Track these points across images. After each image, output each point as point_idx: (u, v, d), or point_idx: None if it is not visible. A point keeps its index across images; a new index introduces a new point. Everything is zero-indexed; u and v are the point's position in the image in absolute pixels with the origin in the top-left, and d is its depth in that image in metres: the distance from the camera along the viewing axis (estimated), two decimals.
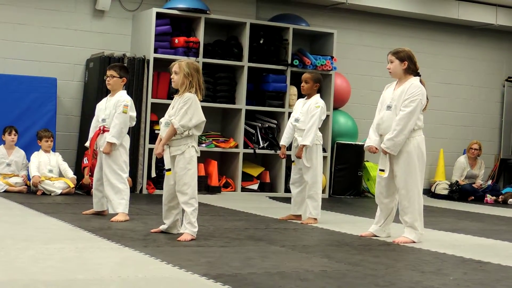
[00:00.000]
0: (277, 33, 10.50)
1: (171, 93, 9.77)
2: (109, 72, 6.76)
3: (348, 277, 4.29)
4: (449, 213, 8.96)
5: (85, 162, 8.67)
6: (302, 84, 7.23)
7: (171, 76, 5.67)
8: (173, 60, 5.84)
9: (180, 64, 5.61)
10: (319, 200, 7.11)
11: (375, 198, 6.20)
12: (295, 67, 10.42)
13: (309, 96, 7.23)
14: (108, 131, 6.65)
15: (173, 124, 5.53)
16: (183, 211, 5.61)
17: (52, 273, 3.99)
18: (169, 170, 5.60)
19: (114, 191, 6.57)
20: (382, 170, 6.01)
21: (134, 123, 6.85)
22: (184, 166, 5.56)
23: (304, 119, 7.11)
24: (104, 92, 8.40)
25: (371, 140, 6.10)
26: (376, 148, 6.03)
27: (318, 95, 7.24)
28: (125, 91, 6.85)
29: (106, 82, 6.79)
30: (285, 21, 10.62)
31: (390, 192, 6.09)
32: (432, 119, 11.85)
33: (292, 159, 7.25)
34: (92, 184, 6.99)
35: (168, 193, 5.68)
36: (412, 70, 6.01)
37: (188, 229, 5.53)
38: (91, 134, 6.85)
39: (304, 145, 7.04)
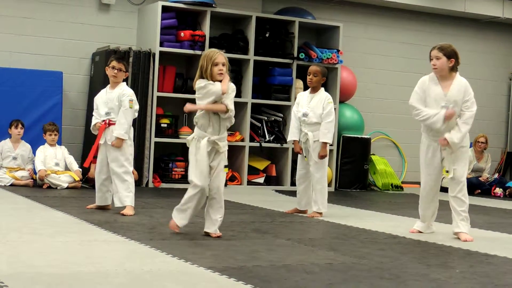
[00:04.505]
0: (283, 27, 10.48)
1: (177, 87, 9.77)
2: (118, 65, 6.67)
3: (353, 270, 4.29)
4: None
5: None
6: (310, 77, 7.08)
7: (220, 68, 5.24)
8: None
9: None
10: (325, 193, 7.09)
11: (424, 197, 6.06)
12: (301, 60, 10.40)
13: (314, 89, 7.16)
14: (113, 124, 6.63)
15: (227, 106, 5.27)
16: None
17: (57, 266, 3.99)
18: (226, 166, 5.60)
19: (121, 183, 6.56)
20: (447, 171, 5.93)
21: (136, 115, 6.82)
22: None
23: (314, 114, 7.04)
24: None
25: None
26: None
27: (323, 88, 7.21)
28: (125, 83, 6.82)
29: (113, 74, 6.69)
30: (291, 14, 10.60)
31: (436, 189, 6.09)
32: None
33: (304, 155, 7.17)
34: None
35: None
36: (456, 67, 5.98)
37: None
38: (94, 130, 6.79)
39: (325, 143, 6.99)
